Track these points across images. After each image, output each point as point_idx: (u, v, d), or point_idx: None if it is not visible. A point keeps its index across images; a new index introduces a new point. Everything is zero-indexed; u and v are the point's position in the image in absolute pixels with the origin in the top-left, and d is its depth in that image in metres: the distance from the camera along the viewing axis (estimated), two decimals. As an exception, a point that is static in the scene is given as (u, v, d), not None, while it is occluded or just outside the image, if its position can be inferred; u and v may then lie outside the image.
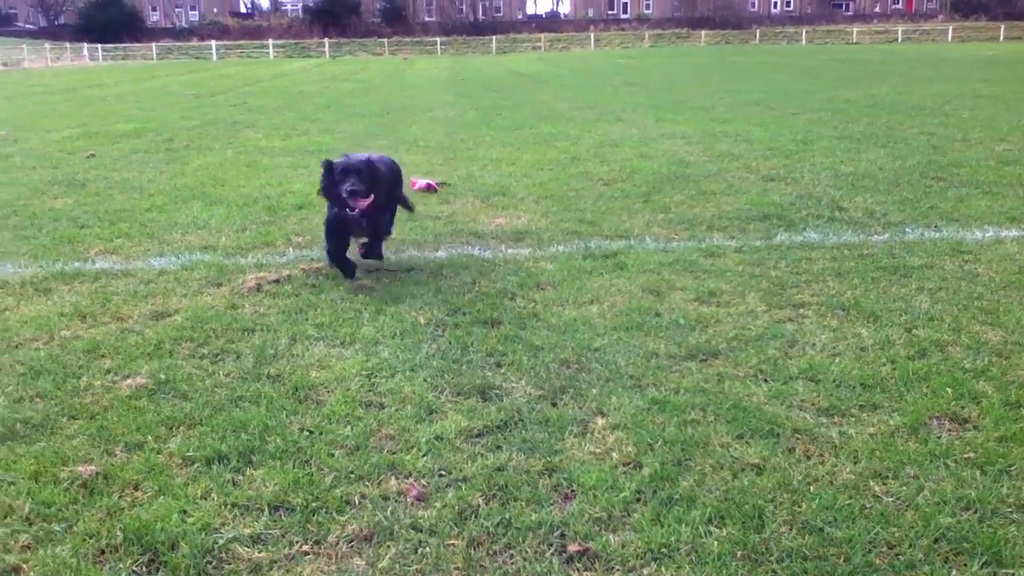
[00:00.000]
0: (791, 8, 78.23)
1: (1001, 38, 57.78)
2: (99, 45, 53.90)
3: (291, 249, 5.73)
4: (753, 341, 3.85)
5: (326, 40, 56.73)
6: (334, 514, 2.56)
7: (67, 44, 56.26)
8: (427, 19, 70.49)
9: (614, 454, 2.86)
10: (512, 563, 2.35)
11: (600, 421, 3.08)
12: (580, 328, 4.04)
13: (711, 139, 10.45)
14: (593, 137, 10.98)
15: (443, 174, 8.46)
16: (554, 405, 3.23)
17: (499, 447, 2.91)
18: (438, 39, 58.75)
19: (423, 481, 2.72)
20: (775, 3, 78.88)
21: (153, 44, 54.53)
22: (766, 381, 3.41)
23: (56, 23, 76.83)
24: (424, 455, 2.87)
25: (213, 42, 53.71)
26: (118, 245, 5.93)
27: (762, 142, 10.08)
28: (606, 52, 48.80)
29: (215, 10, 75.74)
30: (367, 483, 2.73)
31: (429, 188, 7.63)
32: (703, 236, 5.86)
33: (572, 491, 2.66)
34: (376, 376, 3.55)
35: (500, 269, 5.13)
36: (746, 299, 4.48)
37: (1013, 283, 4.63)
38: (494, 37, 59.55)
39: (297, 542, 2.44)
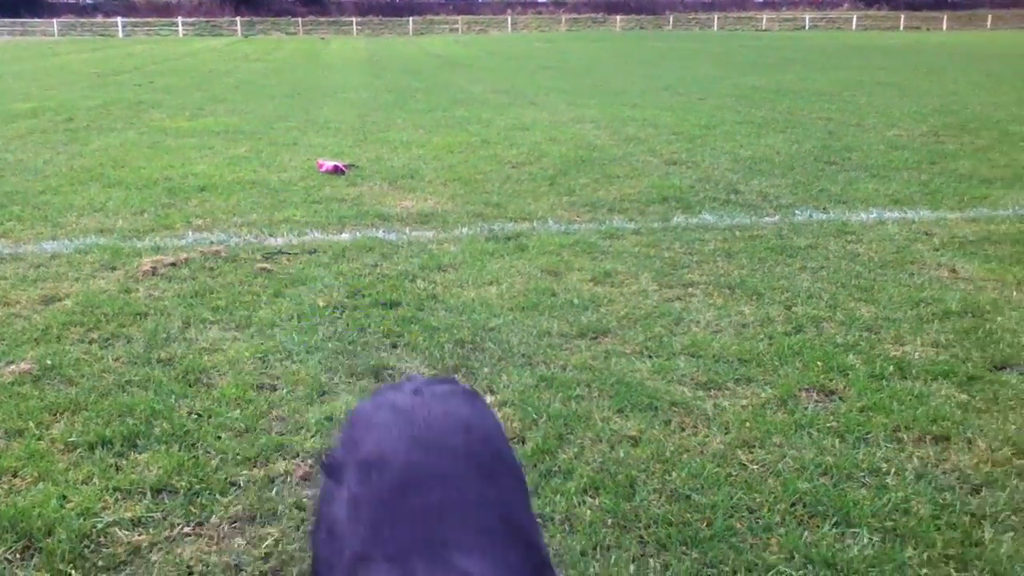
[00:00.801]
0: (705, -6, 79.50)
1: (901, 27, 60.04)
2: (-5, 19, 51.34)
3: (191, 232, 5.64)
4: (642, 320, 3.98)
5: (238, 19, 55.22)
6: (217, 496, 2.58)
7: (-40, 18, 53.40)
8: (344, -2, 69.16)
9: (500, 430, 2.94)
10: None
11: (490, 398, 3.16)
12: (477, 309, 4.11)
13: (620, 124, 10.63)
14: (505, 120, 11.04)
15: (352, 156, 8.41)
16: (445, 384, 3.29)
17: (388, 426, 2.96)
18: (354, 19, 57.84)
19: (310, 461, 2.75)
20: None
21: (54, 20, 52.19)
22: (650, 357, 3.54)
23: (-52, -5, 72.86)
24: (313, 436, 2.90)
25: (119, 19, 51.66)
26: (8, 229, 5.74)
27: (668, 127, 10.30)
28: (524, 36, 48.88)
29: (121, -15, 72.82)
30: (253, 465, 2.75)
31: (336, 170, 7.59)
32: (604, 219, 5.99)
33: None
34: (270, 358, 3.55)
35: (403, 251, 5.16)
36: (639, 279, 4.62)
37: (890, 262, 4.89)
38: (411, 18, 58.93)
39: (179, 524, 2.45)
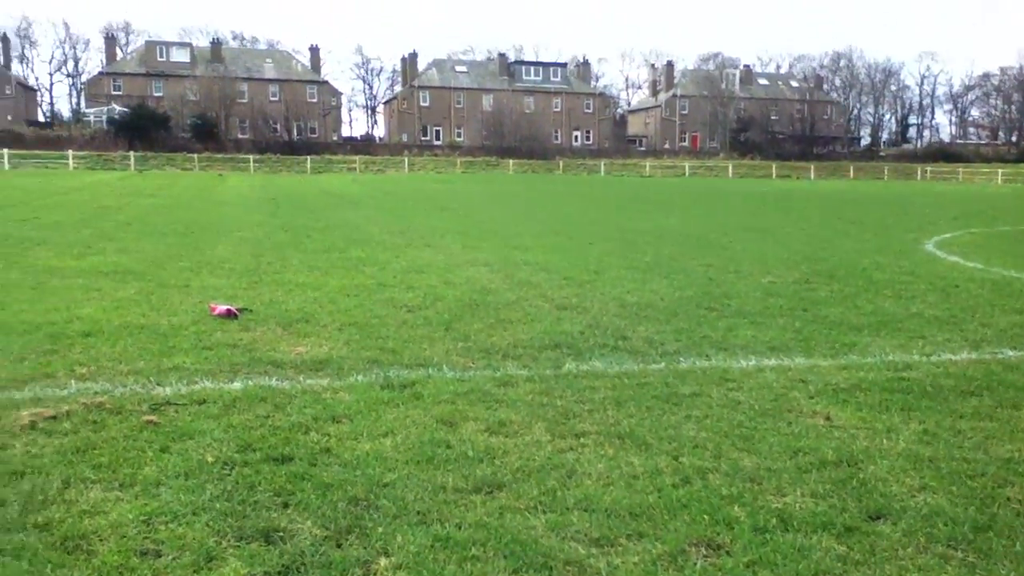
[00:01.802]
0: (591, 142, 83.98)
1: (774, 175, 64.70)
2: None
3: (73, 381, 5.45)
4: (536, 472, 4.05)
5: (132, 153, 54.84)
6: None
7: None
8: (240, 136, 69.87)
9: (387, 596, 2.91)
10: None
11: (383, 561, 3.13)
12: (372, 463, 4.10)
13: (513, 267, 10.97)
14: (401, 262, 11.23)
15: (246, 299, 8.37)
16: (339, 546, 3.25)
17: (272, 594, 2.89)
18: (251, 157, 58.29)
19: (196, 636, 2.65)
20: (576, 136, 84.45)
21: (-65, 149, 50.62)
22: (544, 512, 3.59)
23: None
24: (194, 608, 2.80)
25: (5, 151, 50.45)
26: None
27: (559, 271, 10.68)
28: (420, 176, 50.13)
29: (9, 117, 71.67)
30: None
31: (229, 314, 7.52)
32: (498, 365, 6.12)
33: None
34: (154, 521, 3.43)
35: (296, 401, 5.12)
36: (533, 429, 4.71)
37: (769, 410, 5.14)
38: (309, 157, 59.85)
39: None
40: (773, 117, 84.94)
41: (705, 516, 3.56)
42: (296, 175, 50.33)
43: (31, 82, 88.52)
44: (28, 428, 4.52)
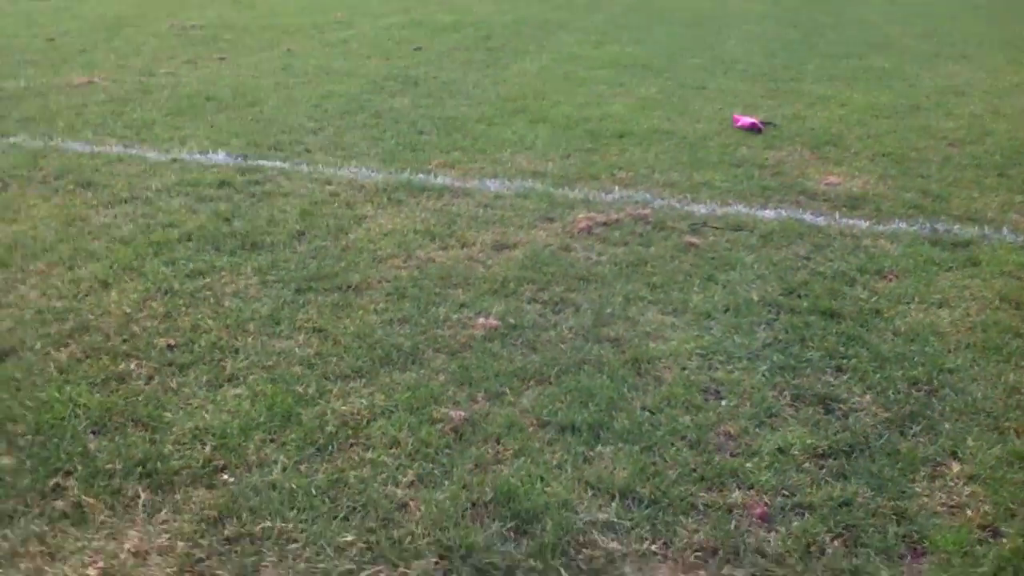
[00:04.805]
0: None
1: None
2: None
3: (616, 188, 5.78)
4: None
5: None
6: (680, 516, 2.65)
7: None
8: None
9: (969, 511, 2.71)
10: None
11: (955, 467, 2.91)
12: (929, 339, 3.78)
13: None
14: (934, 80, 9.93)
15: (767, 110, 8.09)
16: (903, 435, 3.08)
17: (845, 476, 2.85)
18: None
19: (766, 499, 2.73)
20: None
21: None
22: None
23: None
24: (767, 468, 2.87)
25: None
26: (455, 159, 6.29)
27: None
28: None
29: None
30: (710, 487, 2.78)
31: (753, 127, 7.33)
32: (1069, 232, 5.21)
33: (924, 548, 2.56)
34: (712, 358, 3.56)
35: (836, 244, 4.88)
36: (1126, 331, 3.96)
37: None
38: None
39: (647, 539, 2.56)
40: None
41: None
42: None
43: None
44: (585, 232, 4.92)
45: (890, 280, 4.42)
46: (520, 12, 15.19)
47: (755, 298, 4.13)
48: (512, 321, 3.76)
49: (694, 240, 4.84)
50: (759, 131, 7.27)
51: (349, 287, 4.05)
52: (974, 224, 5.30)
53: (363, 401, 3.09)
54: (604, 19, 14.77)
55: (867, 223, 5.25)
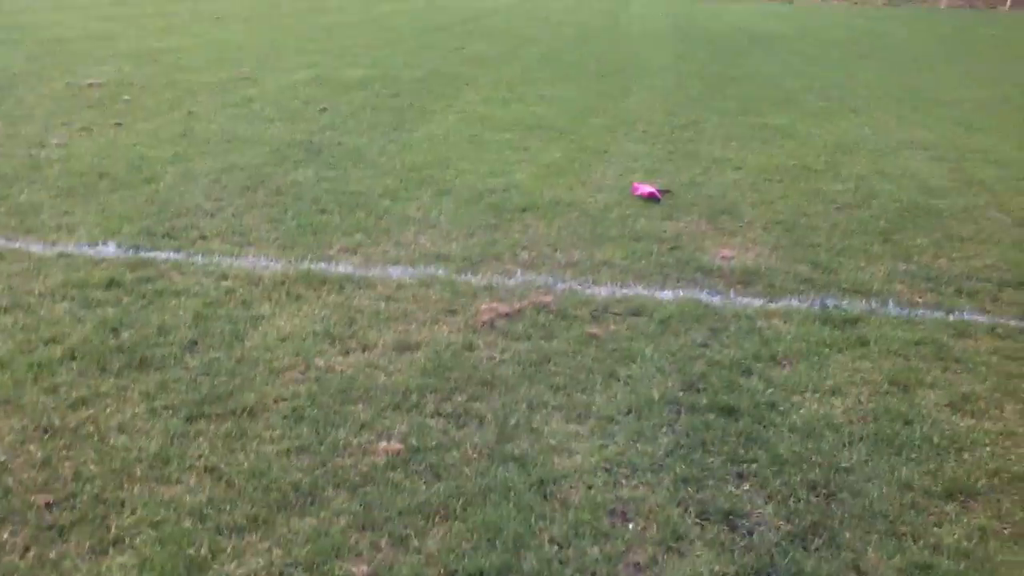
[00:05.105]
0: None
1: None
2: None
3: (519, 269, 5.80)
4: (1016, 481, 3.56)
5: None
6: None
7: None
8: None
9: (869, 632, 2.75)
10: None
11: (857, 583, 2.97)
12: (825, 433, 3.87)
13: (957, 155, 9.61)
14: (825, 136, 10.37)
15: (665, 175, 8.28)
16: (806, 550, 3.13)
17: (752, 605, 2.86)
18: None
19: (671, 635, 2.72)
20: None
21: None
22: (1036, 552, 3.15)
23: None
24: (673, 600, 2.86)
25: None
26: (357, 242, 6.20)
27: (1018, 164, 9.17)
28: (837, 8, 45.25)
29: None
30: (616, 627, 2.76)
31: (652, 197, 7.49)
32: (950, 304, 5.45)
33: None
34: (617, 472, 3.55)
35: (732, 328, 4.98)
36: (1003, 411, 4.16)
37: None
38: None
39: None
40: None
41: None
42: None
43: None
44: (488, 326, 4.90)
45: (784, 367, 4.53)
46: (430, 66, 15.24)
47: (656, 396, 4.17)
48: (415, 443, 3.69)
49: (595, 331, 4.87)
50: (657, 200, 7.42)
51: (244, 411, 3.90)
52: (861, 297, 5.50)
53: (260, 560, 2.93)
54: (513, 73, 14.94)
55: (761, 301, 5.38)
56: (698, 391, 4.24)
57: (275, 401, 4.01)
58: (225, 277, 5.49)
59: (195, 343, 4.59)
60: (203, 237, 6.23)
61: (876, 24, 30.63)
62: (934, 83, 15.67)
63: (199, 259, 5.80)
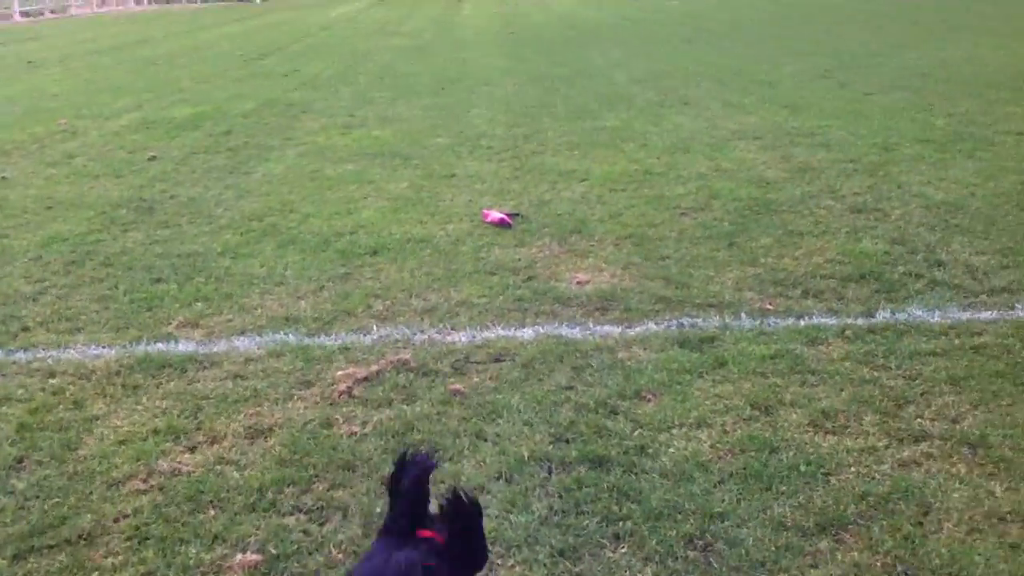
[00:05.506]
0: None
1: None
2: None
3: (374, 324, 5.58)
4: (881, 504, 3.64)
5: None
6: None
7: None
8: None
9: None
10: None
11: (738, 643, 2.94)
12: (695, 475, 3.86)
13: (785, 141, 10.01)
14: (662, 136, 10.58)
15: (513, 197, 8.22)
16: (687, 615, 3.08)
17: None
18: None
19: None
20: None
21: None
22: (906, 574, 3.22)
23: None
24: None
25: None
26: (198, 313, 5.82)
27: (842, 147, 9.62)
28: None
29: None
30: None
31: (503, 223, 7.40)
32: (799, 309, 5.59)
33: None
34: (492, 551, 3.41)
35: (594, 363, 4.94)
36: (862, 423, 4.26)
37: None
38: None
39: None
40: None
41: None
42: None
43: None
44: (346, 395, 4.66)
45: (649, 401, 4.51)
46: (262, 96, 14.70)
47: (526, 454, 4.05)
48: (274, 551, 3.44)
49: (458, 386, 4.72)
50: (509, 226, 7.34)
51: (80, 537, 3.54)
52: (715, 311, 5.57)
53: None
54: (349, 95, 14.59)
55: (619, 328, 5.37)
56: (567, 442, 4.15)
57: (115, 520, 3.66)
58: (52, 374, 5.02)
59: (21, 461, 4.15)
60: (25, 329, 5.70)
61: (692, 3, 31.80)
62: (751, 63, 16.31)
63: (21, 356, 5.29)
